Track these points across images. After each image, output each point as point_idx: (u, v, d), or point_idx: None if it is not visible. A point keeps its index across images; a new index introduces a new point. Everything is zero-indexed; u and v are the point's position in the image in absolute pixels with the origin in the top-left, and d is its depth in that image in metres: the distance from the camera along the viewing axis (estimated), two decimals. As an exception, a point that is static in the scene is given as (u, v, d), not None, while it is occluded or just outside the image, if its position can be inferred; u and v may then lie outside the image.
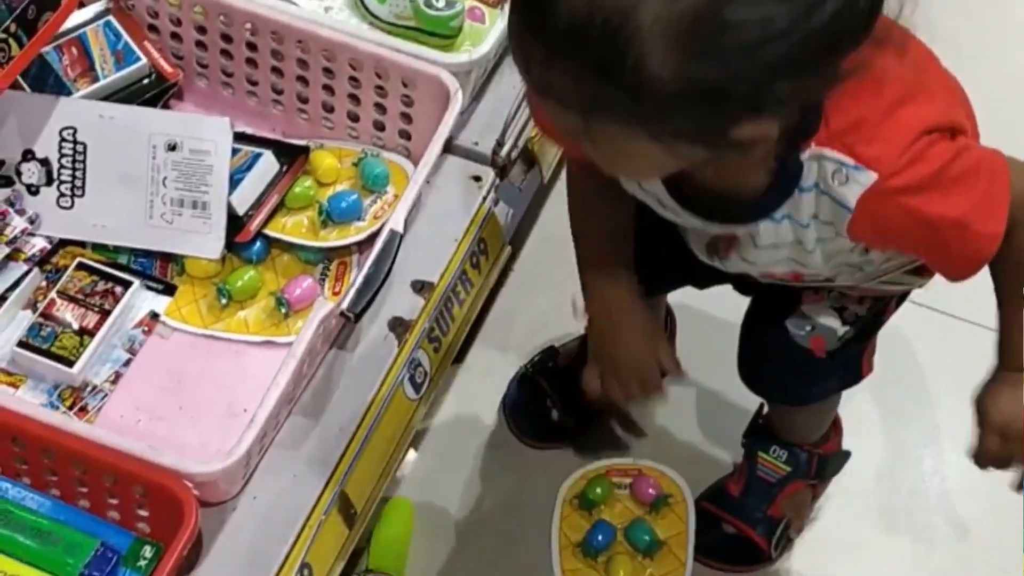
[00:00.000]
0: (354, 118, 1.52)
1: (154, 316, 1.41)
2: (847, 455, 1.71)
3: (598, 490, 1.71)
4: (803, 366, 1.48)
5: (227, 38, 1.52)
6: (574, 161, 1.36)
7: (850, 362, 1.49)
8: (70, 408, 1.33)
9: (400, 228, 1.36)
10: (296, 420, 1.37)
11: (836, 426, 1.71)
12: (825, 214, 1.18)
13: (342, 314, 1.31)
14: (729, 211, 1.23)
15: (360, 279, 1.31)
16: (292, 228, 1.45)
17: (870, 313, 1.46)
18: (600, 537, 1.68)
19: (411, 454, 1.74)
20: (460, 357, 1.83)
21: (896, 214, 1.15)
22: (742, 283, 1.49)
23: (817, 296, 1.43)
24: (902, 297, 1.48)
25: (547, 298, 1.88)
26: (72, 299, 1.37)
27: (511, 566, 1.69)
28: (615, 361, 1.40)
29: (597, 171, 1.14)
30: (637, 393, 1.41)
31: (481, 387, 1.82)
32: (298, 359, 1.28)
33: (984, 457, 1.37)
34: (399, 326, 1.43)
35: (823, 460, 1.68)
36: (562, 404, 1.77)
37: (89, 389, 1.35)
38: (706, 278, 1.53)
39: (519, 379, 1.81)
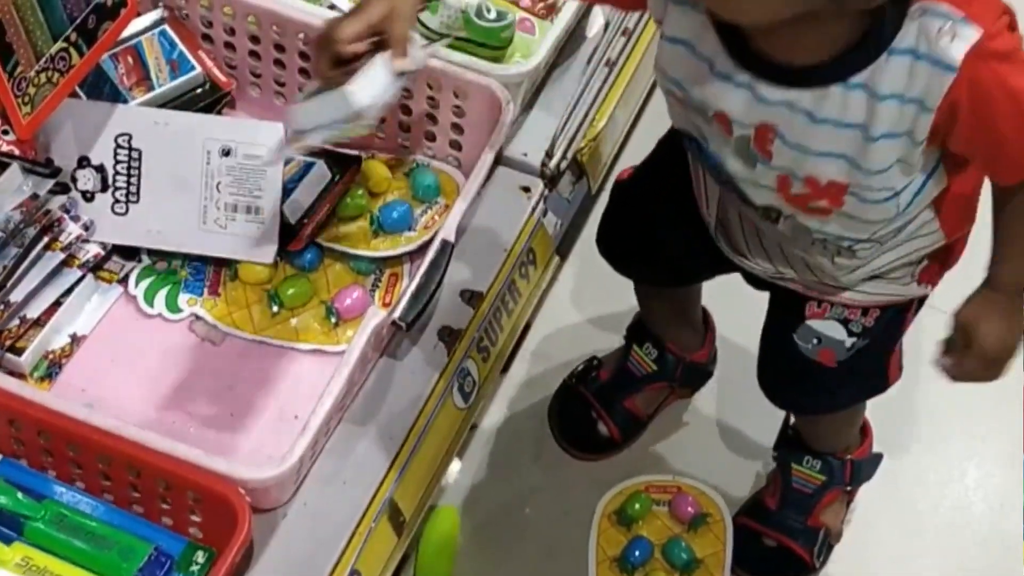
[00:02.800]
0: (406, 128, 1.53)
1: (197, 318, 1.43)
2: (879, 458, 1.71)
3: (636, 506, 1.72)
4: (816, 377, 1.48)
5: (280, 48, 1.53)
6: None
7: (870, 371, 1.49)
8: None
9: (451, 238, 1.36)
10: (347, 427, 1.37)
11: (865, 430, 1.71)
12: (917, 87, 1.15)
13: (394, 323, 1.32)
14: (796, 73, 1.19)
15: (412, 289, 1.32)
16: (344, 237, 1.46)
17: (880, 324, 1.45)
18: (637, 553, 1.69)
19: (456, 463, 1.75)
20: (506, 367, 1.84)
21: (990, 80, 1.15)
22: (753, 278, 1.49)
23: (820, 310, 1.43)
24: (920, 303, 1.47)
25: (592, 309, 1.89)
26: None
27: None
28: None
29: None
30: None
31: (526, 397, 1.83)
32: (351, 367, 1.29)
33: (963, 375, 1.35)
34: (449, 335, 1.44)
35: (857, 466, 1.69)
36: (606, 415, 1.78)
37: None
38: (720, 262, 1.53)
39: (563, 390, 1.82)
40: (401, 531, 1.38)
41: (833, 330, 1.45)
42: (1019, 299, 1.33)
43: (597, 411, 1.78)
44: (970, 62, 1.13)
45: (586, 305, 1.90)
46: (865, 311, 1.43)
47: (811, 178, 1.24)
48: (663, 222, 1.52)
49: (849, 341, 1.45)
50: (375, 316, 1.31)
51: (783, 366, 1.52)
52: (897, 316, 1.45)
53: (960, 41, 1.13)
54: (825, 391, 1.52)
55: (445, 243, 1.36)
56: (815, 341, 1.46)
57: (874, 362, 1.49)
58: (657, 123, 1.48)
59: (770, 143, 1.23)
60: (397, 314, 1.32)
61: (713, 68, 1.22)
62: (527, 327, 1.87)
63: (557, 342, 1.88)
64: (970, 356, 1.33)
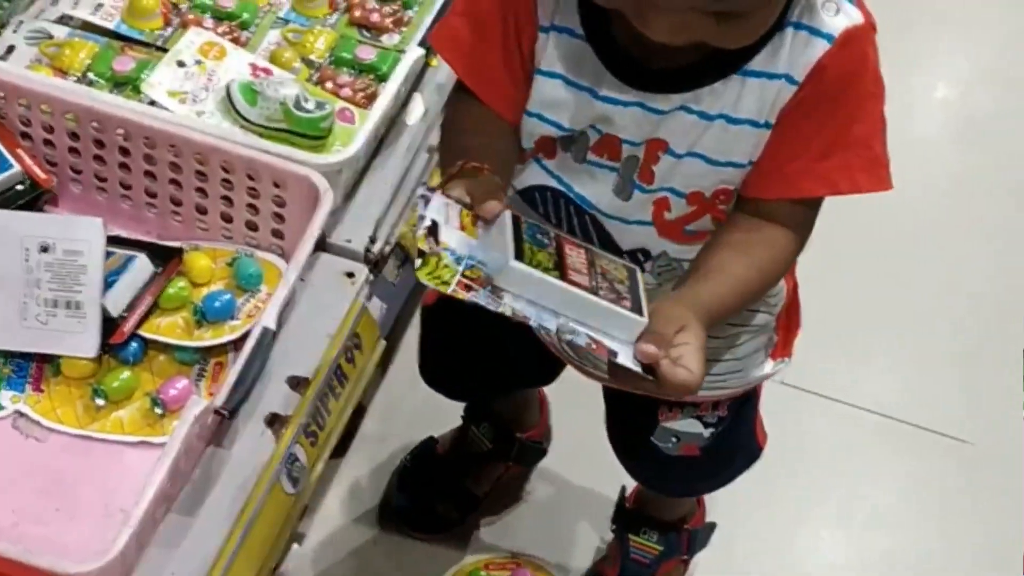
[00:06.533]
0: (227, 219, 1.55)
1: (20, 415, 1.42)
2: (713, 527, 1.76)
3: (476, 584, 1.75)
4: (686, 470, 1.53)
5: (100, 144, 1.54)
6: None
7: (740, 444, 1.54)
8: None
9: (272, 325, 1.38)
10: (174, 518, 1.37)
11: (700, 500, 1.76)
12: (791, 59, 1.17)
13: (216, 412, 1.33)
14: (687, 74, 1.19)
15: (233, 376, 1.33)
16: (167, 328, 1.47)
17: (734, 408, 1.50)
18: (479, 631, 1.71)
19: (295, 548, 1.76)
20: (343, 451, 1.86)
21: (857, 61, 1.19)
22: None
23: (672, 412, 1.47)
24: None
25: (426, 390, 1.92)
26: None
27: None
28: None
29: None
30: None
31: (364, 479, 1.85)
32: (172, 456, 1.29)
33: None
34: (275, 422, 1.45)
35: (693, 535, 1.73)
36: (444, 495, 1.80)
37: (-36, 494, 1.36)
38: (554, 367, 1.56)
39: (399, 472, 1.84)
40: (233, 620, 1.39)
41: (690, 426, 1.49)
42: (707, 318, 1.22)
43: (435, 491, 1.80)
44: (848, 37, 1.18)
45: (422, 386, 1.92)
46: (716, 404, 1.47)
47: (696, 192, 1.25)
48: (483, 341, 1.51)
49: (708, 432, 1.49)
50: (197, 404, 1.32)
51: (649, 465, 1.56)
52: (748, 397, 1.50)
53: (843, 17, 1.18)
54: (699, 477, 1.57)
55: (266, 330, 1.38)
56: (674, 440, 1.50)
57: (741, 437, 1.54)
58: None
59: (656, 161, 1.24)
60: (219, 402, 1.33)
61: (597, 94, 1.23)
62: (362, 410, 1.89)
63: (395, 424, 1.91)
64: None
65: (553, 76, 1.24)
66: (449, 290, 1.10)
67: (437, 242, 1.13)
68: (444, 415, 1.86)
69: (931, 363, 2.07)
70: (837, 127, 1.21)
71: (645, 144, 1.24)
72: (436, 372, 1.67)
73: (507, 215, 1.15)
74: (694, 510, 1.75)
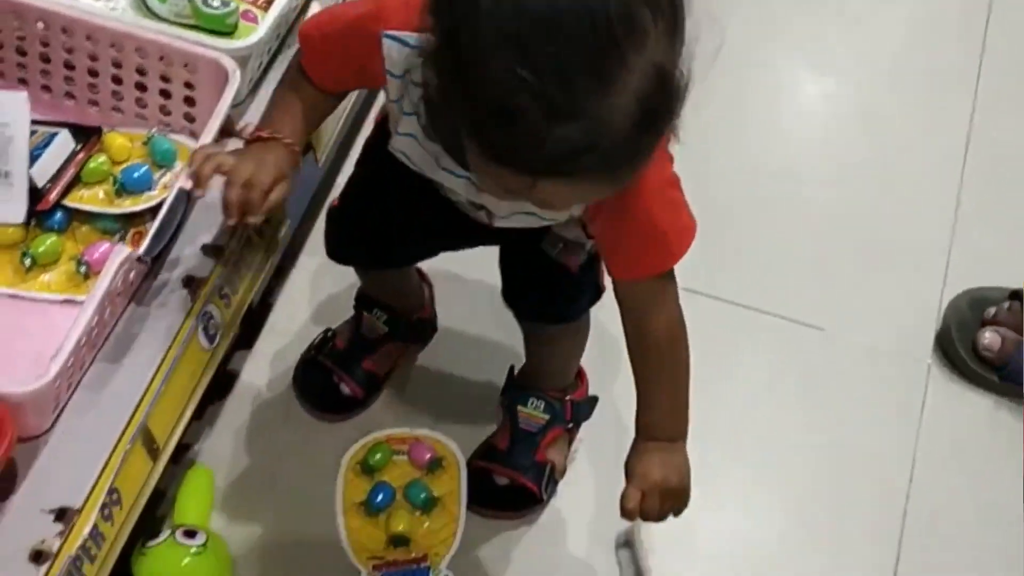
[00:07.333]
0: (142, 104, 1.67)
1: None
2: (595, 400, 1.89)
3: (378, 456, 1.85)
4: (563, 283, 1.65)
5: (20, 37, 1.66)
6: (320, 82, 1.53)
7: (594, 279, 1.68)
8: None
9: (188, 186, 1.50)
10: (100, 365, 1.49)
11: (581, 375, 1.91)
12: None
13: (139, 259, 1.45)
14: None
15: (155, 226, 1.46)
16: (89, 199, 1.59)
17: (592, 253, 1.66)
18: (380, 497, 1.81)
19: (207, 430, 1.88)
20: (250, 343, 1.98)
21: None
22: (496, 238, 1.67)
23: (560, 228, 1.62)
24: None
25: (329, 287, 2.05)
26: None
27: (302, 525, 1.83)
28: (237, 168, 1.45)
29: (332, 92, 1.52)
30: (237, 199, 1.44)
31: (272, 370, 1.97)
32: (100, 295, 1.41)
33: (649, 515, 1.52)
34: (192, 283, 1.57)
35: (576, 406, 1.87)
36: (347, 377, 1.92)
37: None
38: (465, 239, 1.71)
39: (304, 360, 1.96)
40: (156, 457, 1.51)
41: (574, 232, 1.61)
42: (674, 444, 1.54)
43: (338, 375, 1.92)
44: None
45: (325, 285, 2.05)
46: (590, 236, 1.61)
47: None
48: (390, 229, 1.69)
49: (588, 243, 1.62)
50: (120, 253, 1.44)
51: (533, 277, 1.68)
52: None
53: None
54: (571, 297, 1.70)
55: (182, 190, 1.50)
56: (560, 245, 1.63)
57: (595, 274, 1.68)
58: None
59: (490, 215, 1.49)
60: (141, 251, 1.45)
61: (439, 162, 1.42)
62: (268, 308, 2.02)
63: (297, 321, 2.03)
64: (647, 498, 1.51)
65: (408, 136, 1.45)
66: None
67: None
68: (344, 313, 1.98)
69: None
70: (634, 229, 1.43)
71: (473, 203, 1.50)
72: (342, 257, 1.80)
73: None
74: (576, 384, 1.89)
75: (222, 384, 1.92)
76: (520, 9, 1.16)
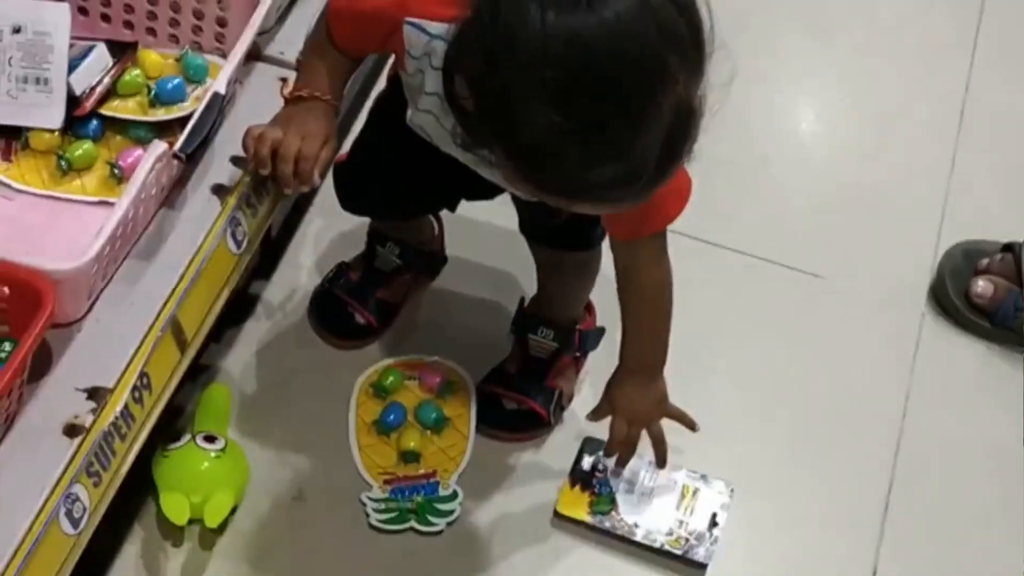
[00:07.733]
0: (175, 24, 1.74)
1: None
2: (603, 331, 1.95)
3: (390, 379, 1.93)
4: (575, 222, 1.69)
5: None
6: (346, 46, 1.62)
7: (597, 222, 1.74)
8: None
9: (223, 91, 1.57)
10: (133, 261, 1.56)
11: (590, 308, 1.97)
12: None
13: (175, 155, 1.52)
14: None
15: (191, 123, 1.53)
16: (123, 108, 1.66)
17: None
18: (392, 416, 1.89)
19: (226, 351, 1.95)
20: (268, 275, 2.05)
21: None
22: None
23: None
24: None
25: (341, 224, 2.11)
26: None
27: (315, 441, 1.89)
28: (286, 143, 1.56)
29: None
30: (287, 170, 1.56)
31: (289, 300, 2.03)
32: (137, 186, 1.48)
33: (613, 444, 1.80)
34: (221, 191, 1.64)
35: (584, 335, 1.93)
36: (361, 307, 1.99)
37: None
38: (479, 194, 1.79)
39: (318, 294, 2.03)
40: (184, 348, 1.57)
41: None
42: (654, 375, 1.73)
43: (352, 306, 1.99)
44: None
45: (339, 220, 2.11)
46: None
47: None
48: (404, 183, 1.77)
49: None
50: (157, 147, 1.51)
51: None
52: None
53: None
54: (583, 223, 1.75)
55: (216, 95, 1.57)
56: None
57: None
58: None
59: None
60: (177, 147, 1.52)
61: (456, 139, 1.48)
62: (286, 242, 2.09)
63: (313, 255, 2.09)
64: (615, 420, 1.77)
65: (427, 113, 1.54)
66: None
67: None
68: (357, 247, 2.04)
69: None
70: None
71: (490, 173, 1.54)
72: (354, 207, 1.89)
73: None
74: (584, 316, 1.96)
75: (240, 308, 1.98)
76: (562, 56, 1.26)
